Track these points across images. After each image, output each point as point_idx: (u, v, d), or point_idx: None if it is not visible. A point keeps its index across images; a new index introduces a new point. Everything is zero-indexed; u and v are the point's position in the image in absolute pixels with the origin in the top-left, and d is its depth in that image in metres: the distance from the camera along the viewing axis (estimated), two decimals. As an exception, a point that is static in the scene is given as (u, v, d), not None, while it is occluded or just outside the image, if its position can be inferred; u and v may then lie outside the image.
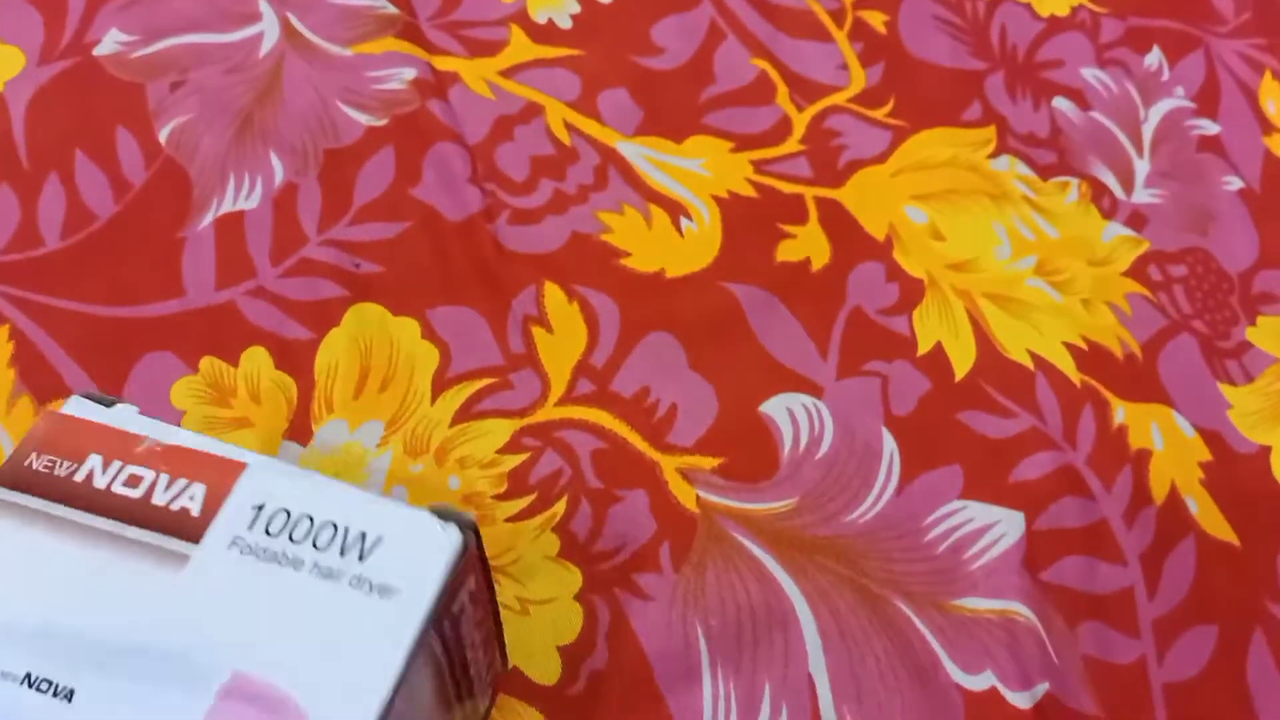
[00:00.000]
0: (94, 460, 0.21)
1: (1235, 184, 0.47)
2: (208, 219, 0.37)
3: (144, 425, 0.22)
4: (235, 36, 0.40)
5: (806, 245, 0.41)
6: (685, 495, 0.34)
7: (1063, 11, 0.51)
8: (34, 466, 0.21)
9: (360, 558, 0.20)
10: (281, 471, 0.22)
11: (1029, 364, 0.39)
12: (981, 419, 0.38)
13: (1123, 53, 0.50)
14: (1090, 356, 0.40)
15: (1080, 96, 0.48)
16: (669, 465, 0.35)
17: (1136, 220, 0.44)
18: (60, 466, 0.21)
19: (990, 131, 0.46)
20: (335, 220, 0.38)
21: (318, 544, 0.21)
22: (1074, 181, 0.45)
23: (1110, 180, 0.45)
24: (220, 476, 0.21)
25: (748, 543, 0.34)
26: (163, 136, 0.38)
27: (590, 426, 0.35)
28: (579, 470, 0.34)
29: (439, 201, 0.38)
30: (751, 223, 0.41)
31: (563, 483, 0.34)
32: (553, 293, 0.38)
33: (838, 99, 0.45)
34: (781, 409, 0.37)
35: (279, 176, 0.38)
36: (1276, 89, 0.51)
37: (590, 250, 0.39)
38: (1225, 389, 0.41)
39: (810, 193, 0.42)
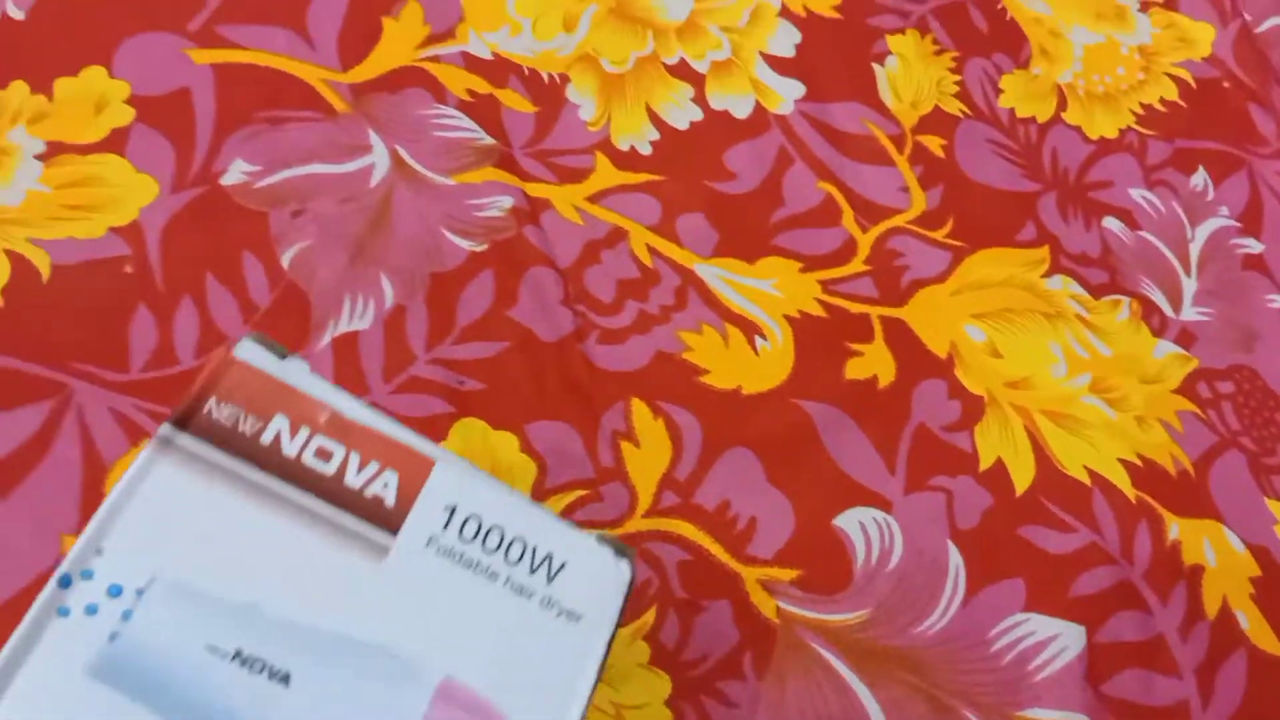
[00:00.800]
0: (280, 422, 0.20)
1: (1278, 301, 0.49)
2: (326, 339, 0.40)
3: (320, 389, 0.21)
4: (349, 168, 0.44)
5: (873, 363, 0.44)
6: (766, 606, 0.37)
7: (1111, 134, 0.53)
8: (215, 417, 0.20)
9: (549, 579, 0.21)
10: (468, 474, 0.21)
11: (1086, 480, 0.42)
12: (1042, 534, 0.40)
13: (1170, 174, 0.53)
14: (1145, 473, 0.42)
15: (1130, 216, 0.51)
16: (750, 577, 0.37)
17: (1185, 338, 0.47)
18: (245, 422, 0.20)
19: (1044, 251, 0.48)
20: (440, 340, 0.41)
21: (509, 558, 0.21)
22: (1125, 300, 0.48)
23: (1160, 299, 0.48)
24: (412, 468, 0.21)
25: (825, 653, 0.36)
26: (285, 262, 0.41)
27: (675, 538, 0.38)
28: (666, 581, 0.37)
29: (534, 323, 0.42)
30: (821, 341, 0.44)
31: (651, 593, 0.37)
32: (639, 409, 0.40)
33: (899, 220, 0.48)
34: (854, 523, 0.39)
35: (389, 299, 0.41)
36: (1317, 207, 0.53)
37: (673, 368, 0.42)
38: (1272, 504, 0.43)
39: (875, 312, 0.45)
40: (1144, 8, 0.58)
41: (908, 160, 0.50)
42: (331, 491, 0.20)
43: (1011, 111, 0.53)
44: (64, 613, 0.18)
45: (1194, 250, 0.50)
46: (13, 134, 0.42)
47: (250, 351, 0.20)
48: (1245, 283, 0.50)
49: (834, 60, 0.52)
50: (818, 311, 0.45)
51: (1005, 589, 0.39)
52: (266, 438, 0.20)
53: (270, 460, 0.20)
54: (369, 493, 0.20)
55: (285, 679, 0.18)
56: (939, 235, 0.48)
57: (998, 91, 0.54)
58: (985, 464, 0.41)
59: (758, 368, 0.43)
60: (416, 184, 0.44)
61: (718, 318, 0.44)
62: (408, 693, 0.19)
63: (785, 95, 0.51)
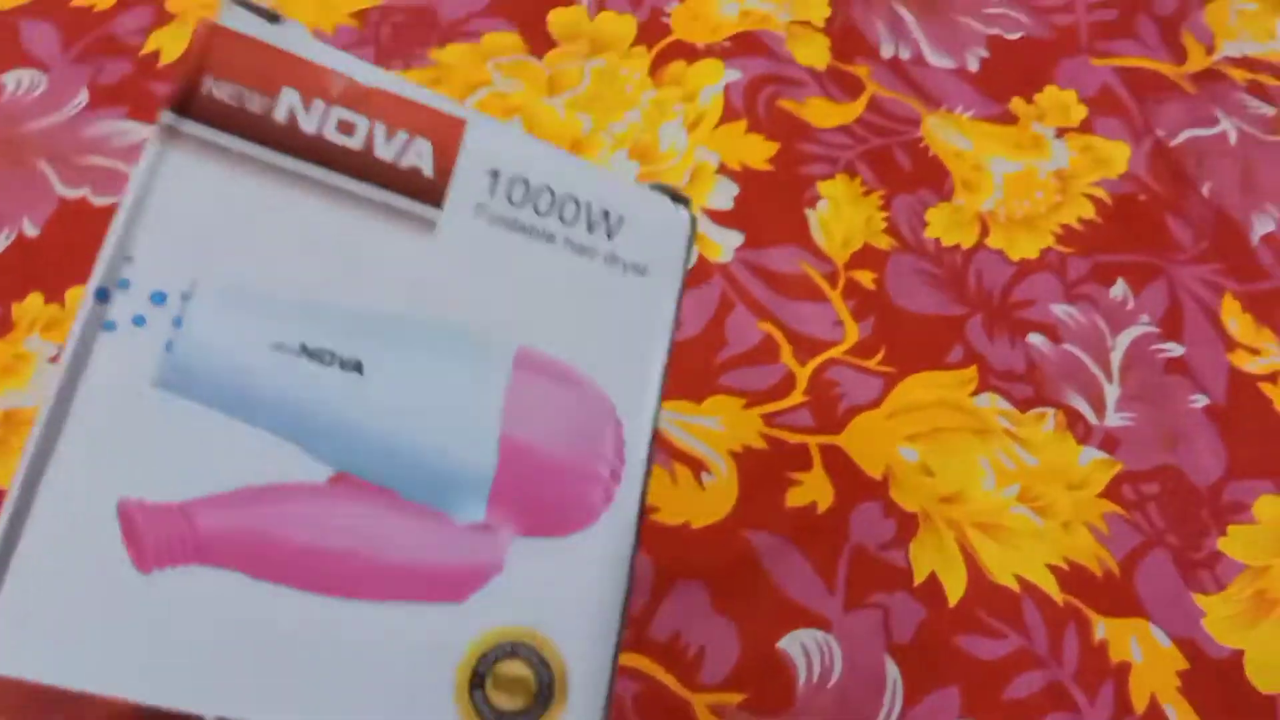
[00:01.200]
0: (290, 96, 0.18)
1: (1201, 401, 0.52)
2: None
3: (325, 54, 0.19)
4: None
5: (812, 490, 0.47)
6: (714, 729, 0.40)
7: (1032, 255, 0.58)
8: (217, 96, 0.18)
9: (608, 236, 0.20)
10: (503, 132, 0.20)
11: (1015, 587, 0.45)
12: (975, 642, 0.43)
13: (1090, 287, 0.57)
14: (1071, 576, 0.45)
15: (1053, 331, 0.54)
16: (700, 703, 0.41)
17: (1110, 443, 0.50)
18: (251, 100, 0.18)
19: (972, 371, 0.52)
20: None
21: (564, 218, 0.20)
22: (1050, 412, 0.51)
23: (1084, 407, 0.51)
24: (442, 132, 0.19)
25: (770, 771, 0.39)
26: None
27: (630, 671, 0.41)
28: (624, 713, 0.40)
29: (496, 477, 0.46)
30: (763, 473, 0.48)
31: (608, 723, 0.40)
32: (594, 550, 0.44)
33: (834, 353, 0.52)
34: (796, 644, 0.42)
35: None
36: (1237, 308, 0.57)
37: (625, 509, 0.46)
38: (1199, 598, 0.45)
39: (814, 440, 0.49)
40: (1060, 134, 0.63)
41: (841, 295, 0.55)
42: (363, 167, 0.18)
43: (937, 241, 0.58)
44: (109, 327, 0.16)
45: (1115, 358, 0.54)
46: (29, 341, 0.47)
47: (238, 17, 0.18)
48: (1167, 386, 0.53)
49: (769, 209, 0.57)
50: (760, 445, 0.49)
51: (942, 697, 0.41)
52: (279, 115, 0.18)
53: (289, 140, 0.18)
54: (403, 164, 0.19)
55: (358, 367, 0.17)
56: (872, 363, 0.52)
57: (923, 224, 0.58)
58: (919, 578, 0.45)
59: (704, 502, 0.46)
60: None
61: (667, 457, 0.48)
62: (486, 366, 0.18)
63: (725, 245, 0.56)
